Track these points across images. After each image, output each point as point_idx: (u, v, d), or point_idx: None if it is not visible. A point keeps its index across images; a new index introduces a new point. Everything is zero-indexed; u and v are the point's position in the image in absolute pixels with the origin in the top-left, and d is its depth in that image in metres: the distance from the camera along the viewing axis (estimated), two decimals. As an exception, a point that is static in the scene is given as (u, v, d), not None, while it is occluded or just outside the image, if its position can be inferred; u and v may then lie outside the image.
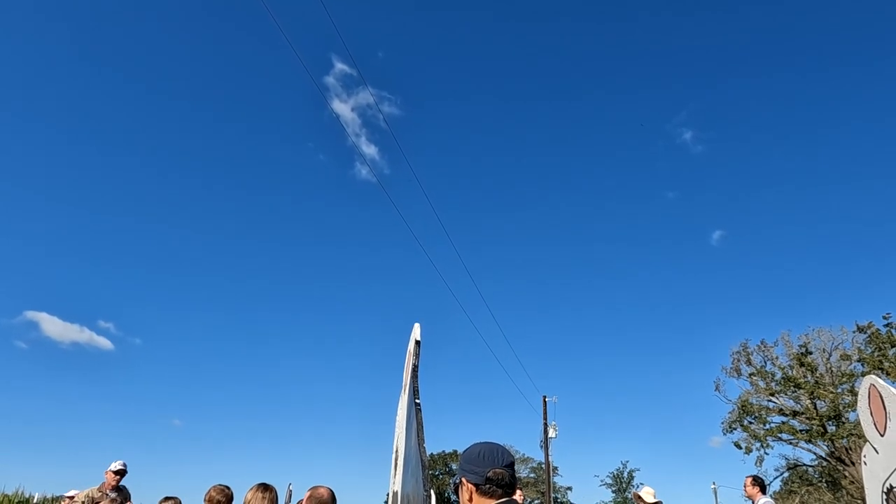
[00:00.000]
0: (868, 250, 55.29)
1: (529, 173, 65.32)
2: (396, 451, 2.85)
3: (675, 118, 60.62)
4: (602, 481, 50.41)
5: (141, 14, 56.79)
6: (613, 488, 50.29)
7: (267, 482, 4.03)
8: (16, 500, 18.30)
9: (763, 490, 6.71)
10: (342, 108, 50.49)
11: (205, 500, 4.22)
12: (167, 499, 5.29)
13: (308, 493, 3.79)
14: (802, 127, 60.03)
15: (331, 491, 4.51)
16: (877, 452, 3.45)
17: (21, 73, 52.33)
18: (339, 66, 48.91)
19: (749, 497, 6.75)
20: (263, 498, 3.84)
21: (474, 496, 1.76)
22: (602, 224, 63.55)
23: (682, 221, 61.06)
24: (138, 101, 58.38)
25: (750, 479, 6.75)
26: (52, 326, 53.64)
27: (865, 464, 3.58)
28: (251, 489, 3.94)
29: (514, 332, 63.98)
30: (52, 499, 18.35)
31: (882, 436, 3.36)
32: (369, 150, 52.32)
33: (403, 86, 64.20)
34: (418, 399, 2.58)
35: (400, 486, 2.60)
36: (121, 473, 6.77)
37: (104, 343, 52.30)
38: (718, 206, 60.34)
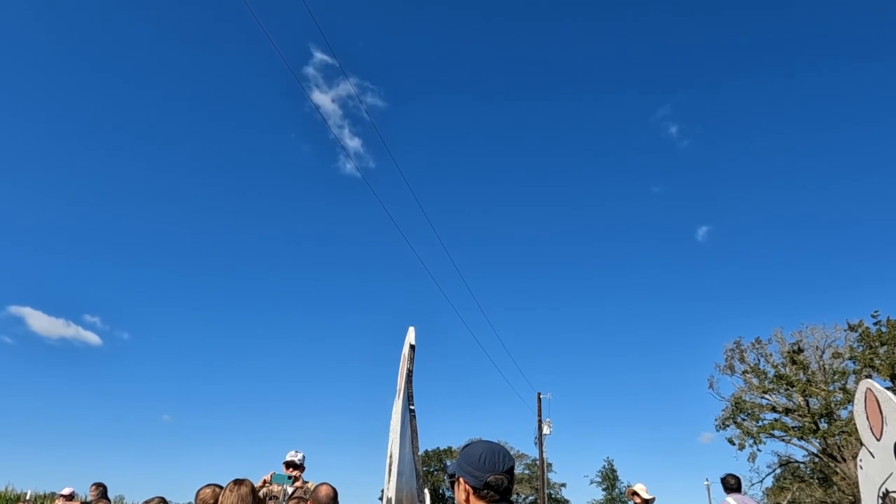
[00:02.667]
0: (859, 245, 55.53)
1: (515, 169, 65.21)
2: (391, 457, 2.81)
3: (659, 111, 60.42)
4: (592, 481, 50.67)
5: (119, 7, 56.17)
6: (603, 486, 50.55)
7: (241, 478, 4.01)
8: (6, 497, 18.21)
9: (729, 489, 6.69)
10: (323, 99, 49.52)
11: (197, 499, 4.17)
12: (152, 500, 5.20)
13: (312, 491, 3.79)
14: (791, 121, 60.18)
15: (332, 489, 4.46)
16: (873, 457, 3.44)
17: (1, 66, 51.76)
18: (319, 56, 48.15)
19: None
20: (232, 491, 3.82)
21: (471, 498, 1.79)
22: (591, 219, 63.61)
23: (669, 217, 60.97)
24: (117, 94, 57.76)
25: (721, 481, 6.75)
26: (38, 321, 53.31)
27: (861, 468, 3.57)
28: (226, 487, 3.92)
29: (510, 329, 64.12)
30: (46, 496, 18.27)
31: (878, 440, 3.35)
32: (353, 142, 51.45)
33: (386, 76, 63.76)
34: (412, 405, 2.55)
35: (394, 492, 2.56)
36: (292, 465, 5.70)
37: (92, 338, 51.99)
38: (705, 201, 60.34)
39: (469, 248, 60.95)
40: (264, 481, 5.47)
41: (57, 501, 8.82)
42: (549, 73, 63.86)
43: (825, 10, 57.58)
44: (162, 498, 5.10)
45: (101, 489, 8.20)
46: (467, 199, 64.96)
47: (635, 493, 7.06)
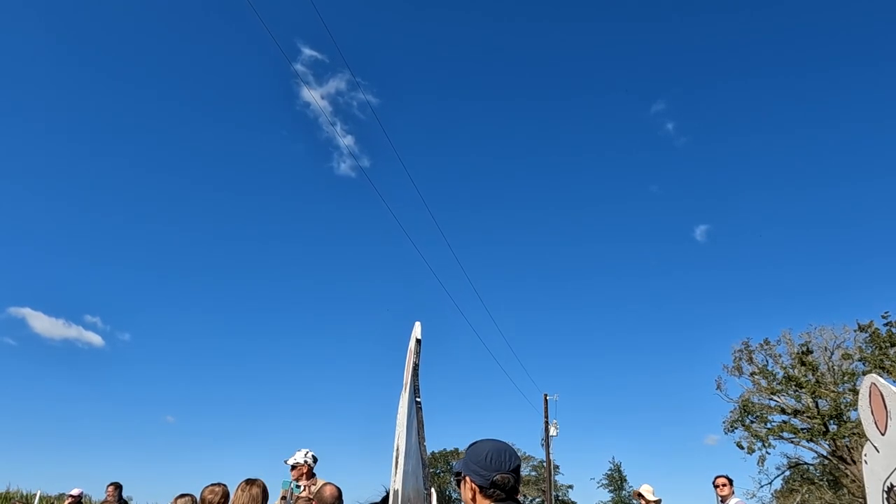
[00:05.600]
0: (867, 244, 54.75)
1: (509, 168, 64.10)
2: (397, 449, 2.85)
3: (654, 107, 59.42)
4: (599, 483, 50.50)
5: (110, 5, 56.06)
6: (610, 488, 50.34)
7: (253, 477, 4.04)
8: (8, 498, 18.36)
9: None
10: (314, 97, 48.87)
11: (200, 500, 4.21)
12: (182, 496, 5.23)
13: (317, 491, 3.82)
14: (790, 117, 58.87)
15: (337, 489, 4.49)
16: (877, 451, 3.45)
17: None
18: (308, 52, 47.44)
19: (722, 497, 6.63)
20: (244, 491, 3.87)
21: (477, 496, 1.81)
22: (588, 219, 62.56)
23: (667, 215, 59.90)
24: (113, 93, 57.08)
25: (725, 479, 6.67)
26: (40, 322, 53.40)
27: (866, 462, 3.57)
28: (237, 487, 3.97)
29: (517, 330, 63.74)
30: (55, 498, 18.40)
31: (882, 434, 3.36)
32: (346, 140, 50.74)
33: (379, 73, 62.67)
34: (419, 397, 2.59)
35: (400, 484, 2.60)
36: (293, 468, 5.65)
37: (95, 339, 51.95)
38: (703, 200, 59.29)
39: (468, 249, 60.44)
40: (283, 498, 5.45)
41: (66, 502, 8.92)
42: (542, 70, 62.73)
43: (825, 9, 56.85)
44: (192, 496, 5.14)
45: (119, 489, 8.35)
46: (463, 198, 64.13)
47: (641, 496, 7.06)
